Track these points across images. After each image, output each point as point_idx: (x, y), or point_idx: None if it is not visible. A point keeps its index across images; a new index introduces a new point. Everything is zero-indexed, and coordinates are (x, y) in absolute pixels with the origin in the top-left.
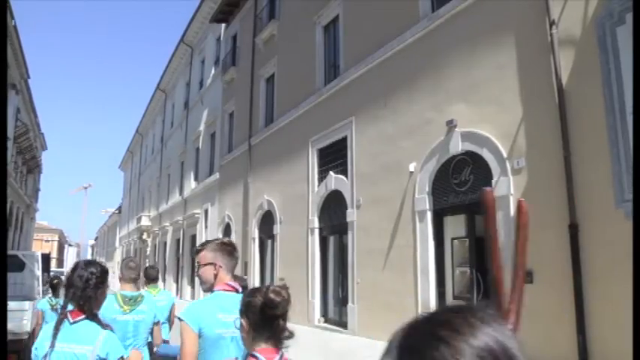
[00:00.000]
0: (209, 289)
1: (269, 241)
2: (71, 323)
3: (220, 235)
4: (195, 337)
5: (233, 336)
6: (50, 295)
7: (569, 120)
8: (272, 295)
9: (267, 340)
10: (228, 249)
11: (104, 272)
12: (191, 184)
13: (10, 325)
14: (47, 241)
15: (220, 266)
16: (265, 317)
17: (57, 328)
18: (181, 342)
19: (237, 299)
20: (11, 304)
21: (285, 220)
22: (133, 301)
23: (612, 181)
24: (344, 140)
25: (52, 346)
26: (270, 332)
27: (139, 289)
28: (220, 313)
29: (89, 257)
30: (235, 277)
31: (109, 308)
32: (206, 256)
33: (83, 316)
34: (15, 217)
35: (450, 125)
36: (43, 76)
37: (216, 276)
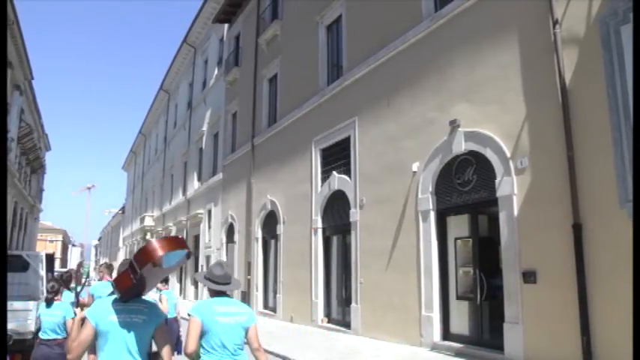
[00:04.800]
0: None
1: (272, 241)
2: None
3: (224, 236)
4: (92, 296)
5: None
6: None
7: (573, 119)
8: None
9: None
10: (106, 266)
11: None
12: (194, 185)
13: (15, 325)
14: (51, 241)
15: (102, 272)
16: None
17: None
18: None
19: (107, 283)
20: (16, 304)
21: (289, 220)
22: None
23: (616, 181)
24: (347, 140)
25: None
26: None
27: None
28: (103, 288)
29: (93, 257)
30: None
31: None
32: (101, 270)
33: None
34: (19, 218)
35: (453, 125)
36: (46, 77)
37: (103, 276)
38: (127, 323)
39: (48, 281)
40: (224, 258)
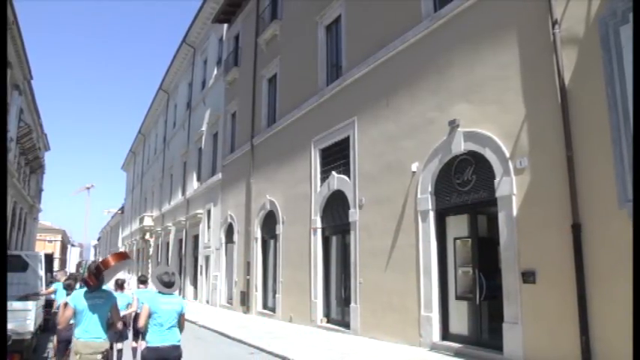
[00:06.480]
0: None
1: (272, 241)
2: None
3: (223, 236)
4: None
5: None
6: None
7: (572, 119)
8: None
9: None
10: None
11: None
12: (194, 185)
13: (14, 325)
14: (50, 241)
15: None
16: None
17: None
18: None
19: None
20: (15, 304)
21: (288, 220)
22: None
23: (615, 181)
24: (346, 140)
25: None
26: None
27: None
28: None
29: (92, 258)
30: (116, 280)
31: None
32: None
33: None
34: (18, 218)
35: (453, 125)
36: (45, 77)
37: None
38: (93, 305)
39: (66, 279)
40: (223, 258)
